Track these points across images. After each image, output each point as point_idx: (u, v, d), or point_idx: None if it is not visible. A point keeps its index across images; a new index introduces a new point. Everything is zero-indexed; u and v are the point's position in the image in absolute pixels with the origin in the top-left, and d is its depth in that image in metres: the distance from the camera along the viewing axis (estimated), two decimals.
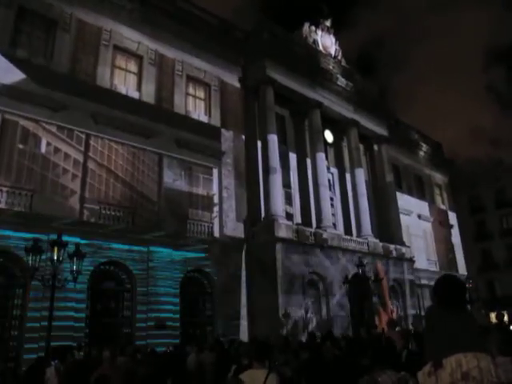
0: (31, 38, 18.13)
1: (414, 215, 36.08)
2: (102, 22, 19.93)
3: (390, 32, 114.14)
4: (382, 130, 32.13)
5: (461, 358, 2.43)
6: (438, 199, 41.67)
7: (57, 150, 17.04)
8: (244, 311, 20.81)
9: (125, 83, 20.71)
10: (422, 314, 30.17)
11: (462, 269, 39.58)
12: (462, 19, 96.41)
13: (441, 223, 39.83)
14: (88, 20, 19.49)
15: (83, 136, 17.85)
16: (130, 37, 20.92)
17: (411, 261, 29.88)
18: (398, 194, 33.18)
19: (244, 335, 19.72)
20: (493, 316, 37.02)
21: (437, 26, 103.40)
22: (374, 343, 5.72)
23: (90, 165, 17.86)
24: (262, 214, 22.82)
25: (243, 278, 21.28)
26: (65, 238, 11.90)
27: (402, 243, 29.72)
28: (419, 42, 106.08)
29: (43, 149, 16.69)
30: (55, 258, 11.30)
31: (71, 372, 5.12)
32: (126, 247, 18.01)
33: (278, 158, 23.61)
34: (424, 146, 40.47)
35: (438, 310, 2.78)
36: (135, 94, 20.66)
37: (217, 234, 21.37)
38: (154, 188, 19.75)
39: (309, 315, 22.22)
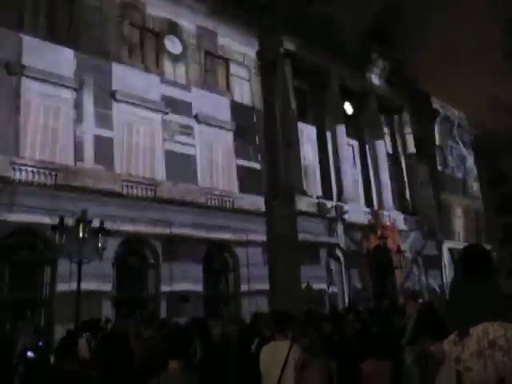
0: None
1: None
2: None
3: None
4: (402, 101, 31.53)
5: (488, 327, 2.43)
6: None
7: None
8: (266, 285, 21.00)
9: None
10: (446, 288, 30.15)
11: (485, 240, 39.12)
12: None
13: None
14: None
15: None
16: None
17: (434, 233, 29.66)
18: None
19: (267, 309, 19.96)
20: None
21: None
22: (403, 314, 5.72)
23: None
24: (282, 187, 22.80)
25: (265, 252, 21.39)
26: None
27: (426, 216, 29.40)
28: (436, 12, 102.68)
29: None
30: (81, 235, 11.54)
31: (102, 344, 5.29)
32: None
33: (297, 131, 23.45)
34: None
35: (464, 280, 2.76)
36: None
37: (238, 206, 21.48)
38: None
39: (331, 288, 22.38)
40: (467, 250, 2.86)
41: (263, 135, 23.66)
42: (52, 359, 6.67)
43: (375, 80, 29.22)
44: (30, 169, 15.89)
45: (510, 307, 2.58)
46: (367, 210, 25.61)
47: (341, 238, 22.84)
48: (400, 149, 31.42)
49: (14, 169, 15.45)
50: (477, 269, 2.68)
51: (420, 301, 10.95)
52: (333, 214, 23.09)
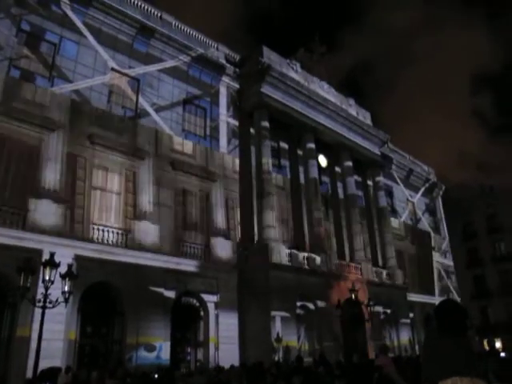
0: None
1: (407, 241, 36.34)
2: None
3: (376, 56, 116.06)
4: (374, 155, 32.46)
5: (457, 382, 2.46)
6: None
7: None
8: (236, 335, 20.57)
9: None
10: (415, 341, 30.01)
11: (455, 295, 39.53)
12: (448, 43, 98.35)
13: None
14: None
15: None
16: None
17: (404, 288, 29.81)
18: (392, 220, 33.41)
19: (235, 360, 19.46)
20: (485, 343, 36.85)
21: (423, 49, 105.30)
22: (363, 369, 5.72)
23: None
24: (255, 238, 22.83)
25: (235, 302, 21.09)
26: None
27: (395, 269, 29.63)
28: (406, 66, 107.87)
29: None
30: (47, 277, 11.19)
31: None
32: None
33: (272, 182, 23.75)
34: (415, 171, 40.96)
35: (438, 334, 2.80)
36: None
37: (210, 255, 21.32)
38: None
39: (301, 340, 22.06)
40: (442, 305, 2.91)
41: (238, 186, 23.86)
42: None
43: (349, 133, 30.07)
44: None
45: (477, 360, 2.63)
46: (338, 262, 25.68)
47: (311, 289, 22.71)
48: (371, 201, 32.04)
49: None
50: (451, 324, 2.73)
51: (391, 355, 10.91)
52: (305, 265, 23.07)
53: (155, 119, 21.50)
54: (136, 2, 22.53)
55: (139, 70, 21.78)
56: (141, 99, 21.51)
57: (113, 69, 20.75)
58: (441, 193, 44.82)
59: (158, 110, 21.91)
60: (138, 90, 21.73)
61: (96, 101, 19.78)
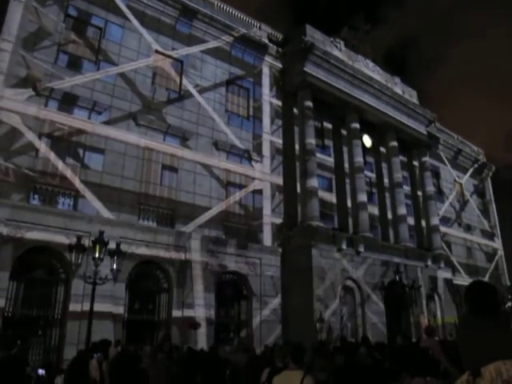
0: None
1: (456, 224, 35.35)
2: None
3: (422, 32, 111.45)
4: (421, 135, 31.57)
5: (500, 366, 2.39)
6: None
7: None
8: (279, 315, 20.80)
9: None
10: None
11: (506, 280, 38.37)
12: (498, 19, 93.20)
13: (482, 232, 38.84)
14: None
15: None
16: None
17: (449, 268, 29.19)
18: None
19: (278, 339, 19.73)
20: None
21: (473, 24, 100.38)
22: (408, 350, 5.67)
23: None
24: (299, 218, 22.81)
25: (279, 282, 21.29)
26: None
27: (442, 251, 28.99)
28: (453, 42, 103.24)
29: None
30: (97, 255, 11.66)
31: (115, 364, 5.32)
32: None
33: (315, 163, 23.55)
34: (464, 152, 39.62)
35: (472, 318, 2.73)
36: None
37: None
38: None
39: (344, 321, 22.04)
40: (472, 287, 2.85)
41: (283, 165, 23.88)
42: (60, 378, 6.71)
43: (395, 112, 29.33)
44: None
45: None
46: (384, 243, 25.35)
47: (355, 271, 22.59)
48: (417, 183, 31.27)
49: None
50: (484, 305, 2.66)
51: (436, 338, 10.73)
52: (348, 246, 22.92)
53: (198, 100, 21.67)
54: None
55: (182, 51, 21.93)
56: (184, 81, 21.71)
57: (156, 51, 21.01)
58: (490, 174, 43.20)
59: (201, 91, 22.06)
60: (182, 72, 21.93)
61: (140, 83, 20.13)
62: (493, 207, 42.13)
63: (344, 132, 27.04)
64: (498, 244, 40.32)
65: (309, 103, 24.27)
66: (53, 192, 16.52)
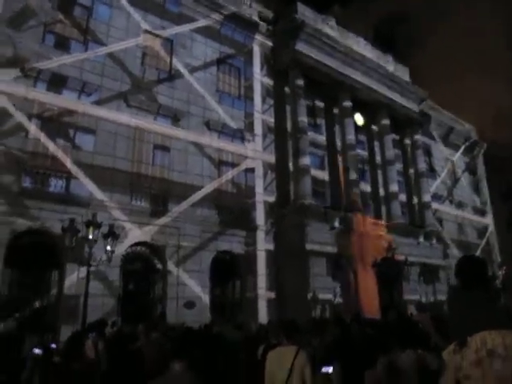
0: None
1: (447, 201, 35.63)
2: None
3: (410, 8, 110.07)
4: (413, 113, 31.56)
5: (486, 336, 2.47)
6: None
7: None
8: (273, 294, 21.02)
9: None
10: None
11: (496, 256, 38.87)
12: None
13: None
14: None
15: None
16: None
17: (442, 244, 29.56)
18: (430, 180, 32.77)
19: (273, 317, 19.98)
20: None
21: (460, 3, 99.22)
22: (399, 325, 5.77)
23: None
24: (292, 196, 22.87)
25: (272, 261, 21.45)
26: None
27: (434, 228, 29.29)
28: (443, 18, 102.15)
29: None
30: (90, 237, 11.69)
31: (111, 344, 5.39)
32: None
33: (307, 141, 23.53)
34: (456, 129, 39.70)
35: (461, 290, 2.81)
36: None
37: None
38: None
39: (337, 299, 22.30)
40: (462, 261, 2.93)
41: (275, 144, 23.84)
42: (57, 358, 6.79)
43: (387, 90, 29.25)
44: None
45: (507, 315, 2.63)
46: (374, 221, 25.52)
47: (349, 249, 22.78)
48: (409, 161, 31.38)
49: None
50: (472, 278, 2.74)
51: (427, 313, 10.92)
52: (341, 224, 23.06)
53: (189, 80, 21.46)
54: None
55: (171, 30, 21.63)
56: (174, 60, 21.47)
57: (145, 30, 20.70)
58: (482, 151, 43.40)
59: (192, 70, 21.85)
60: (172, 51, 21.67)
61: (130, 63, 19.89)
62: (484, 184, 42.44)
63: (336, 110, 26.97)
64: (488, 220, 40.74)
65: (300, 82, 24.12)
66: (44, 174, 16.37)
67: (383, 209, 27.85)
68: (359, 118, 29.09)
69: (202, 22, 22.76)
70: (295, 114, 23.67)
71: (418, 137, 31.71)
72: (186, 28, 22.17)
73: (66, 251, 13.24)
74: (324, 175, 25.71)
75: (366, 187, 27.89)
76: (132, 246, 17.75)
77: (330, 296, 21.38)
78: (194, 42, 22.60)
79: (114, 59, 19.41)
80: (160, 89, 20.63)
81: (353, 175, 24.85)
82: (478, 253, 35.16)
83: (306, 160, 22.87)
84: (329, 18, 27.11)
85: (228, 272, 21.08)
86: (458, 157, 39.56)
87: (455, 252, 32.32)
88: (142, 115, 19.49)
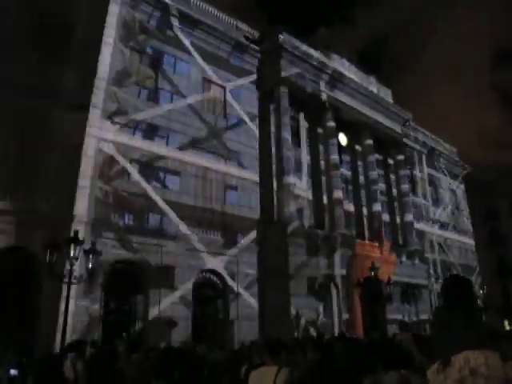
0: None
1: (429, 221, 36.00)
2: None
3: (393, 31, 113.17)
4: (396, 134, 32.05)
5: (469, 355, 2.48)
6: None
7: None
8: (255, 312, 20.85)
9: None
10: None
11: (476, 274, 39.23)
12: (466, 19, 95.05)
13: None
14: None
15: None
16: None
17: (425, 264, 29.78)
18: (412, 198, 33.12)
19: (256, 337, 19.77)
20: (506, 323, 36.50)
21: (441, 25, 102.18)
22: (382, 344, 5.77)
23: None
24: (275, 216, 22.88)
25: (255, 279, 21.34)
26: None
27: (416, 248, 29.51)
28: (425, 40, 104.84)
29: None
30: (71, 254, 11.48)
31: (90, 364, 5.25)
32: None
33: (292, 160, 23.68)
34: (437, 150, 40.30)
35: (446, 310, 2.83)
36: None
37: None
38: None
39: (320, 318, 22.23)
40: (448, 280, 2.96)
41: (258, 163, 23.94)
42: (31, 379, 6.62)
43: (370, 111, 29.71)
44: None
45: (490, 336, 2.65)
46: (358, 241, 25.62)
47: (332, 268, 22.82)
48: (392, 181, 31.75)
49: None
50: (457, 298, 2.76)
51: (409, 333, 10.92)
52: (324, 243, 23.11)
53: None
54: None
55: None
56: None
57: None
58: (464, 173, 44.11)
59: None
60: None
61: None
62: (465, 206, 43.09)
63: (320, 130, 27.24)
64: (470, 240, 41.21)
65: (285, 101, 24.40)
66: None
67: (366, 228, 28.01)
68: (343, 138, 29.44)
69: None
70: (279, 133, 23.86)
71: (401, 157, 32.15)
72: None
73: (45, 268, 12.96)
74: (308, 194, 25.78)
75: (350, 207, 28.05)
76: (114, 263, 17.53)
77: (313, 316, 21.32)
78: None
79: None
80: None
81: (337, 194, 25.03)
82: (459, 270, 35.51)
83: (289, 179, 22.98)
84: (314, 40, 27.56)
85: (211, 291, 20.87)
86: (441, 178, 40.14)
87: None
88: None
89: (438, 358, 2.66)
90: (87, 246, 12.41)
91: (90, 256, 12.27)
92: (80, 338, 9.47)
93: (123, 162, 18.51)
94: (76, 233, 11.98)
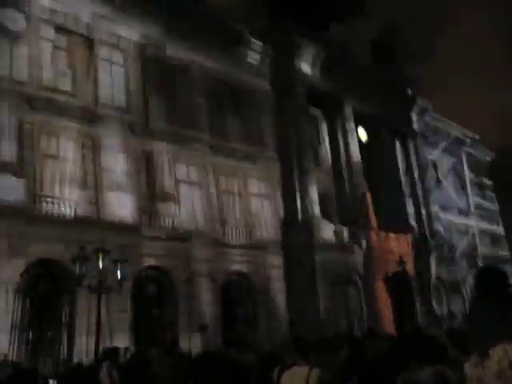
0: None
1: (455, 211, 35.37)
2: None
3: (410, 19, 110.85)
4: (415, 125, 31.65)
5: (507, 348, 2.45)
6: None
7: None
8: (284, 313, 20.80)
9: None
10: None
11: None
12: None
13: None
14: None
15: None
16: None
17: (453, 258, 29.31)
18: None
19: (286, 337, 19.70)
20: None
21: (459, 13, 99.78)
22: (415, 340, 5.69)
23: None
24: (299, 215, 22.74)
25: (282, 280, 21.29)
26: None
27: (445, 240, 29.08)
28: (441, 30, 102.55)
29: None
30: (100, 264, 11.67)
31: (125, 372, 5.33)
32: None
33: (312, 158, 23.58)
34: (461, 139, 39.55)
35: (480, 302, 2.79)
36: None
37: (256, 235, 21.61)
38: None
39: (350, 315, 22.04)
40: (482, 272, 2.91)
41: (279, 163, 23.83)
42: None
43: (386, 103, 29.38)
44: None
45: None
46: (384, 234, 25.30)
47: (359, 265, 22.63)
48: (414, 172, 31.28)
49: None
50: (492, 290, 2.71)
51: (442, 327, 10.77)
52: (350, 240, 22.92)
53: None
54: None
55: None
56: None
57: None
58: (489, 160, 43.26)
59: None
60: None
61: None
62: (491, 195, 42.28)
63: (340, 126, 26.97)
64: (500, 228, 40.40)
65: (303, 100, 24.32)
66: None
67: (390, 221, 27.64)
68: (363, 132, 29.15)
69: None
70: (299, 130, 23.73)
71: (421, 147, 31.67)
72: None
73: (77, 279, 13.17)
74: (331, 192, 25.57)
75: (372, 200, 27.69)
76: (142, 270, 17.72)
77: (342, 313, 21.18)
78: None
79: None
80: None
81: (360, 188, 24.83)
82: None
83: (311, 176, 22.88)
84: (326, 36, 27.35)
85: (239, 293, 20.89)
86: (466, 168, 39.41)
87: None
88: None
89: (474, 351, 2.63)
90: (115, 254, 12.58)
91: (119, 265, 12.45)
92: (113, 346, 9.59)
93: None
94: (103, 242, 12.19)
